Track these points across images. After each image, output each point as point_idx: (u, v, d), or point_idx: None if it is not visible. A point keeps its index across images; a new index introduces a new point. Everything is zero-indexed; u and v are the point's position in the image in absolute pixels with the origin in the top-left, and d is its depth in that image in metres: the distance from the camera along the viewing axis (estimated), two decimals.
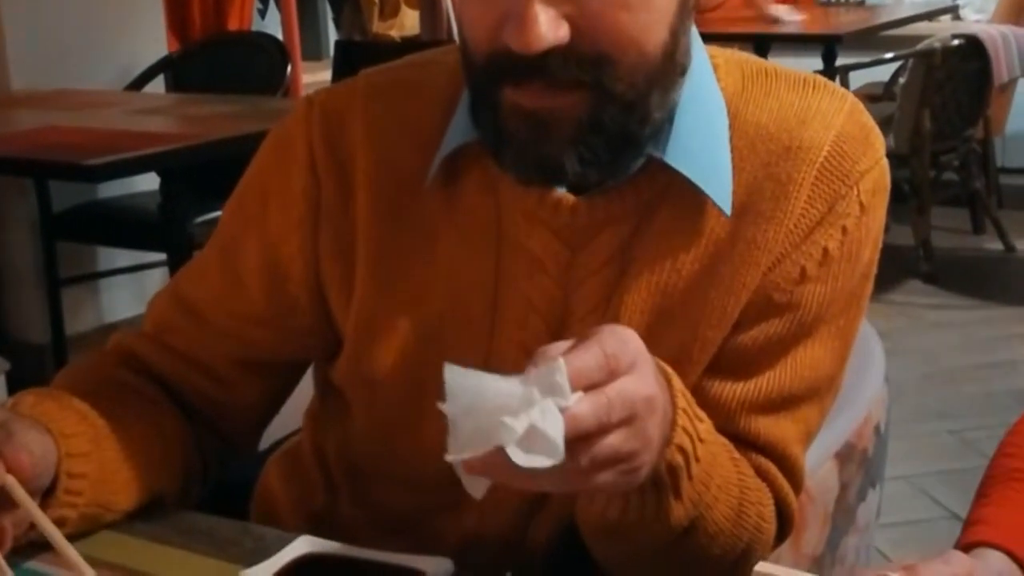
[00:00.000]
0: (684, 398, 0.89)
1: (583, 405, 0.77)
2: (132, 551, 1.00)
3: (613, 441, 0.80)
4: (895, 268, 4.44)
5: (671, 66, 0.94)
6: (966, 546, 0.89)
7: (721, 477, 0.95)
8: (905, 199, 4.46)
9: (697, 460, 0.90)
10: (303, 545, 0.95)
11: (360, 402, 1.09)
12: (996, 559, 0.87)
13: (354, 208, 1.04)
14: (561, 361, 0.76)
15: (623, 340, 0.81)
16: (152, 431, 1.08)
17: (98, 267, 3.84)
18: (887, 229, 1.05)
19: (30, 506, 0.92)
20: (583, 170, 0.93)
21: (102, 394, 1.07)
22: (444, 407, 0.76)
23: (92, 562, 0.97)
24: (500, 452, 0.74)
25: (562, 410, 0.75)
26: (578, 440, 0.77)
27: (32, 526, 0.94)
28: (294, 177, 1.06)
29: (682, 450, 0.89)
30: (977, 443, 3.09)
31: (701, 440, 0.91)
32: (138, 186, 3.59)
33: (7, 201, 3.69)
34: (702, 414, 0.92)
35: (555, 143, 0.92)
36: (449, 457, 0.75)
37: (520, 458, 0.73)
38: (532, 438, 0.73)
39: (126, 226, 3.48)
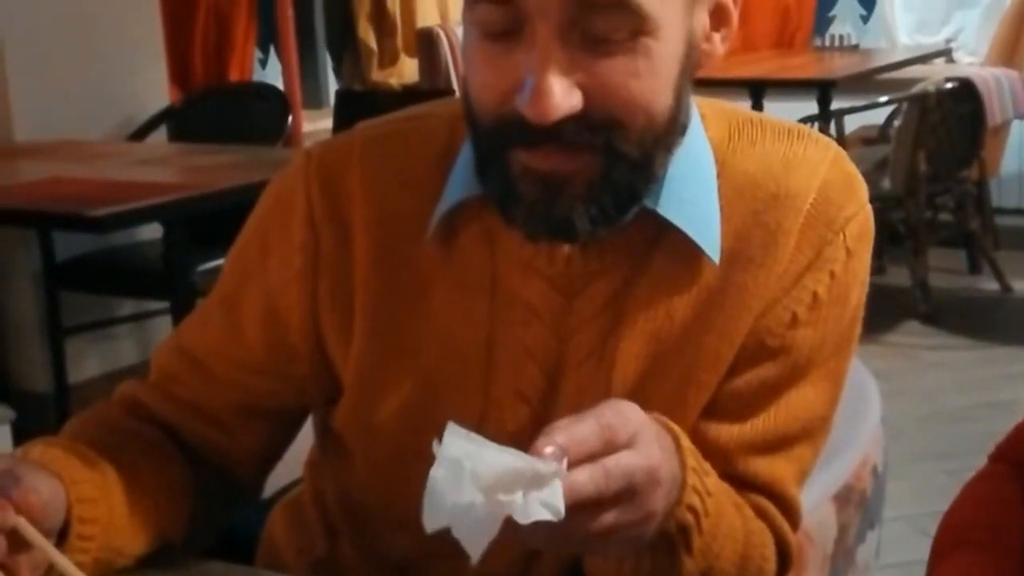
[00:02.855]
0: (693, 456, 0.91)
1: (581, 474, 0.79)
2: None
3: (611, 516, 0.82)
4: (893, 309, 4.45)
5: (675, 127, 0.96)
6: None
7: (728, 526, 0.96)
8: (901, 240, 4.48)
9: (707, 515, 0.92)
10: None
11: (360, 448, 1.11)
12: None
13: (352, 259, 1.06)
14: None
15: (623, 415, 0.83)
16: (158, 478, 1.10)
17: (101, 316, 3.85)
18: (883, 270, 1.08)
19: (45, 546, 0.94)
20: (592, 228, 0.95)
21: (109, 442, 1.09)
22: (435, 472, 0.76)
23: None
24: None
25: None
26: (576, 510, 0.78)
27: (49, 569, 0.96)
28: (293, 229, 1.08)
29: (692, 509, 0.90)
30: None
31: (710, 494, 0.92)
32: (141, 235, 3.61)
33: (11, 251, 3.70)
34: (708, 467, 0.94)
35: (566, 203, 0.94)
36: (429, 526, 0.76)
37: (520, 515, 0.74)
38: (532, 501, 0.75)
39: (129, 275, 3.49)
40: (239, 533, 1.29)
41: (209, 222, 2.79)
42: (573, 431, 0.79)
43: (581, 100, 0.90)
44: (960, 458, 3.31)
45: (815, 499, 1.23)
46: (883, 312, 4.28)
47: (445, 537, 1.03)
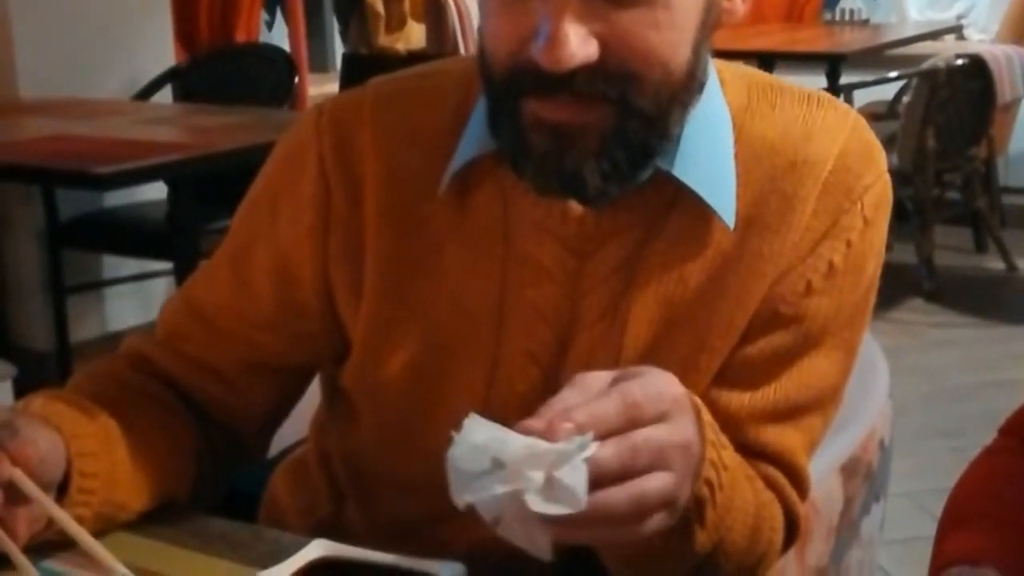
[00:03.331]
0: (712, 430, 0.90)
1: (606, 449, 0.77)
2: (147, 552, 1.01)
3: (652, 485, 0.79)
4: (898, 286, 4.45)
5: (692, 83, 0.95)
6: (937, 569, 0.89)
7: (741, 499, 0.95)
8: (908, 217, 4.47)
9: (721, 488, 0.91)
10: (317, 549, 0.96)
11: (367, 408, 1.10)
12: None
13: (363, 216, 1.05)
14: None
15: (655, 388, 0.81)
16: (163, 433, 1.09)
17: (103, 276, 3.84)
18: (889, 247, 1.07)
19: (42, 499, 0.93)
20: (603, 184, 0.94)
21: (114, 396, 1.08)
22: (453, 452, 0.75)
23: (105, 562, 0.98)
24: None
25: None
26: (600, 485, 0.76)
27: (49, 523, 0.95)
28: (304, 185, 1.07)
29: (709, 483, 0.89)
30: None
31: (726, 467, 0.91)
32: (144, 196, 3.61)
33: (14, 208, 3.70)
34: (725, 440, 0.93)
35: (577, 156, 0.92)
36: (456, 498, 0.74)
37: (539, 506, 0.72)
38: (552, 488, 0.72)
39: (132, 235, 3.49)
40: (241, 493, 1.29)
41: (213, 184, 2.78)
42: (595, 409, 0.78)
43: (597, 49, 0.89)
44: (964, 436, 3.32)
45: (822, 470, 1.22)
46: (888, 289, 4.25)
47: (450, 500, 1.03)
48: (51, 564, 0.97)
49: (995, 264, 4.91)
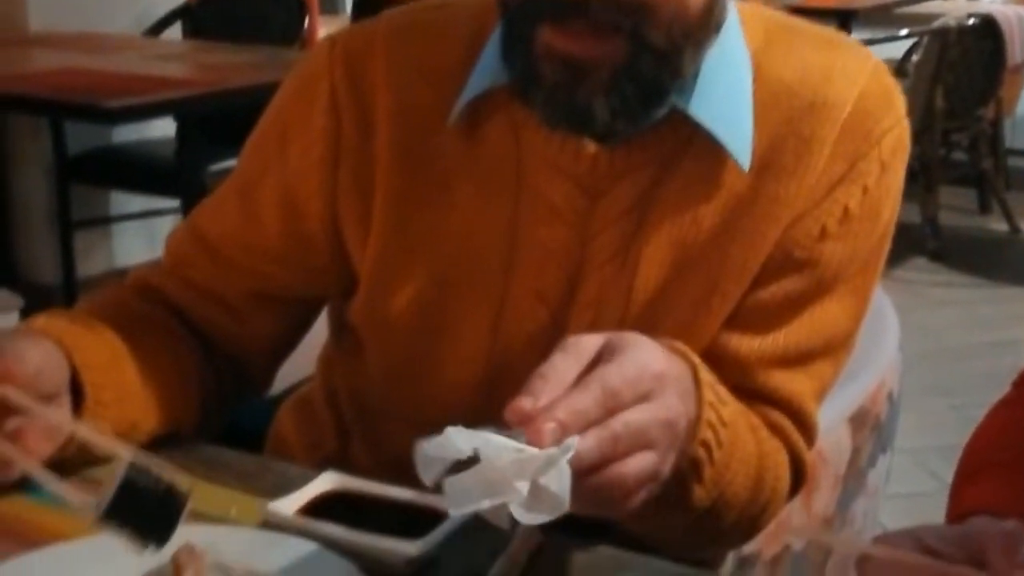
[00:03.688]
0: (711, 389, 0.89)
1: (587, 441, 0.75)
2: None
3: (631, 468, 0.79)
4: (901, 245, 4.43)
5: (707, 21, 0.94)
6: (957, 519, 0.89)
7: (742, 452, 0.95)
8: (914, 177, 4.46)
9: (720, 446, 0.91)
10: (328, 481, 0.96)
11: (374, 343, 1.10)
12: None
13: (374, 148, 1.04)
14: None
15: (638, 368, 0.79)
16: (170, 358, 1.09)
17: (111, 212, 3.84)
18: None
19: (39, 410, 0.91)
20: (612, 120, 0.93)
21: (119, 320, 1.07)
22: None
23: None
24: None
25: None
26: (583, 474, 0.75)
27: (69, 441, 0.95)
28: (315, 116, 1.06)
29: (705, 444, 0.89)
30: (977, 420, 3.10)
31: (725, 425, 0.91)
32: (153, 132, 3.59)
33: (22, 142, 3.68)
34: (725, 396, 0.92)
35: (588, 90, 0.92)
36: (450, 510, 0.73)
37: (523, 516, 0.72)
38: (537, 495, 0.71)
39: (140, 171, 3.48)
40: (246, 429, 1.29)
41: (222, 122, 2.77)
42: (574, 403, 0.76)
43: None
44: (964, 394, 3.33)
45: (831, 420, 1.23)
46: (891, 248, 4.26)
47: None
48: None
49: (999, 226, 4.90)
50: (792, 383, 1.03)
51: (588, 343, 0.80)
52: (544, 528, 0.91)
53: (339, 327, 1.15)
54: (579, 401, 0.76)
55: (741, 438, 0.95)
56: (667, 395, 0.81)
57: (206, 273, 1.13)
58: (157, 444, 1.06)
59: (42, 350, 0.96)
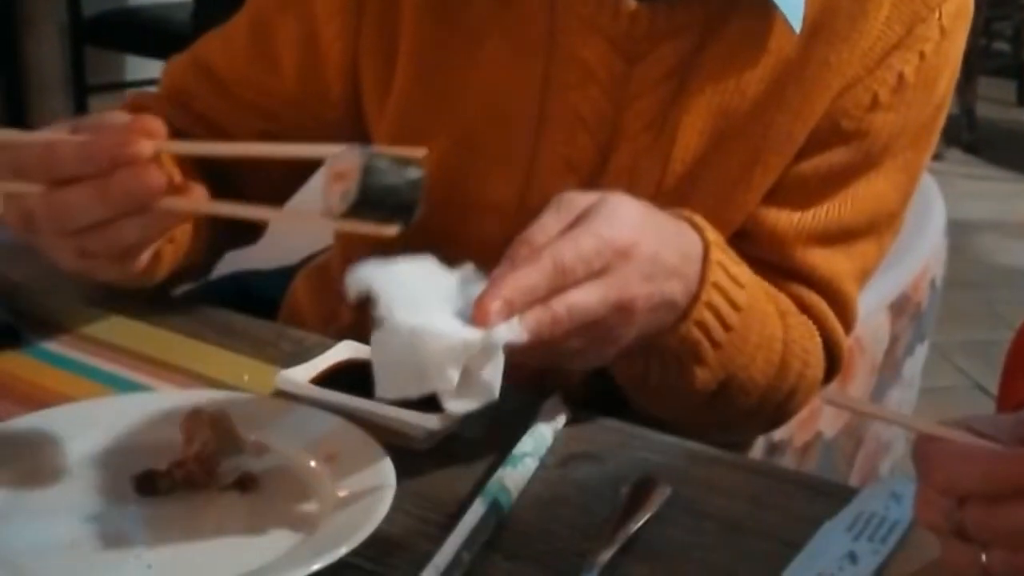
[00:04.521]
0: (719, 270, 0.85)
1: (525, 321, 0.72)
2: (168, 345, 0.97)
3: (565, 345, 0.76)
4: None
5: None
6: (1010, 409, 0.84)
7: (760, 336, 0.91)
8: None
9: (728, 329, 0.87)
10: (345, 350, 0.92)
11: None
12: None
13: (400, 5, 0.98)
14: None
15: (599, 241, 0.75)
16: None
17: (126, 77, 3.79)
18: None
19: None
20: None
21: None
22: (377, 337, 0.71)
23: (126, 354, 0.95)
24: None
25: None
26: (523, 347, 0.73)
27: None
28: None
29: (701, 324, 0.85)
30: (1006, 316, 3.06)
31: (737, 309, 0.87)
32: None
33: (36, 4, 3.62)
34: (745, 279, 0.88)
35: None
36: (379, 395, 0.72)
37: (452, 405, 0.71)
38: (468, 381, 0.70)
39: (156, 34, 3.41)
40: (260, 298, 1.25)
41: None
42: (523, 280, 0.72)
43: None
44: (993, 289, 3.28)
45: (871, 306, 1.18)
46: None
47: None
48: (134, 376, 0.93)
49: None
50: (832, 262, 0.98)
51: (579, 202, 0.77)
52: (572, 403, 0.88)
53: None
54: (528, 277, 0.73)
55: (762, 323, 0.91)
56: (626, 272, 0.77)
57: (211, 106, 1.07)
58: (170, 308, 1.03)
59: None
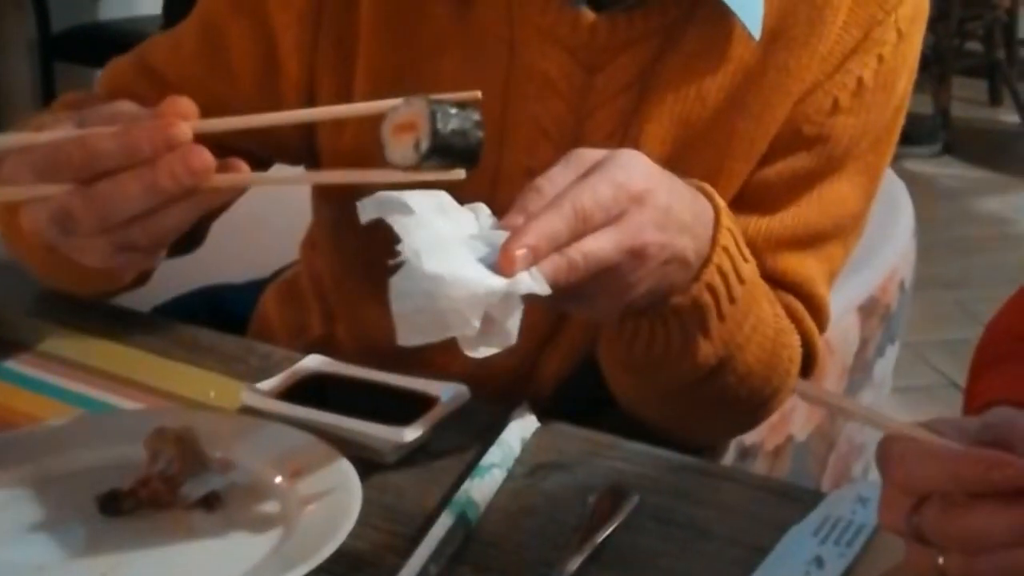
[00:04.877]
0: (731, 237, 0.85)
1: (542, 269, 0.71)
2: (135, 363, 0.97)
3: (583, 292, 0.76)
4: (909, 135, 4.38)
5: None
6: (975, 411, 0.85)
7: (757, 318, 0.91)
8: (926, 66, 4.37)
9: (732, 301, 0.86)
10: (312, 364, 0.92)
11: (356, 229, 1.04)
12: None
13: (358, 18, 0.98)
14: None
15: (615, 186, 0.75)
16: None
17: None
18: None
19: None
20: None
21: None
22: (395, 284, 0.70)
23: (93, 373, 0.95)
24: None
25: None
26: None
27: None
28: None
29: (711, 289, 0.85)
30: (981, 314, 3.07)
31: (742, 281, 0.86)
32: (139, 9, 3.51)
33: (5, 18, 3.60)
34: (747, 253, 0.88)
35: None
36: (399, 343, 0.70)
37: (471, 350, 0.70)
38: (489, 327, 0.69)
39: (126, 49, 3.34)
40: (230, 314, 1.24)
41: None
42: (544, 227, 0.72)
43: None
44: (967, 288, 3.30)
45: (840, 309, 1.18)
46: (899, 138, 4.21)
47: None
48: (102, 396, 0.93)
49: (1009, 117, 4.83)
50: (802, 266, 0.98)
51: (590, 156, 0.77)
52: (541, 412, 0.88)
53: (319, 205, 1.09)
54: (550, 223, 0.72)
55: (759, 303, 0.91)
56: (640, 218, 0.76)
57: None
58: (138, 326, 1.02)
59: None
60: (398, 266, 0.70)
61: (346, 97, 0.99)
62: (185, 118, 0.77)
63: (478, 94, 0.76)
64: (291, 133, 1.01)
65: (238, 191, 0.80)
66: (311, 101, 1.01)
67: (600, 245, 0.74)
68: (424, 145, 0.72)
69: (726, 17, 0.91)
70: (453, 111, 0.73)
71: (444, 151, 0.72)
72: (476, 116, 0.73)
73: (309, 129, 1.02)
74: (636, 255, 0.77)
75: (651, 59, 0.94)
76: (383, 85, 0.98)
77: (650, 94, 0.94)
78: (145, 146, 0.76)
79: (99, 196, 0.76)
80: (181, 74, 1.04)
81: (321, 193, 1.08)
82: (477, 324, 0.68)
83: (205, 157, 0.76)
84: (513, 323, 0.70)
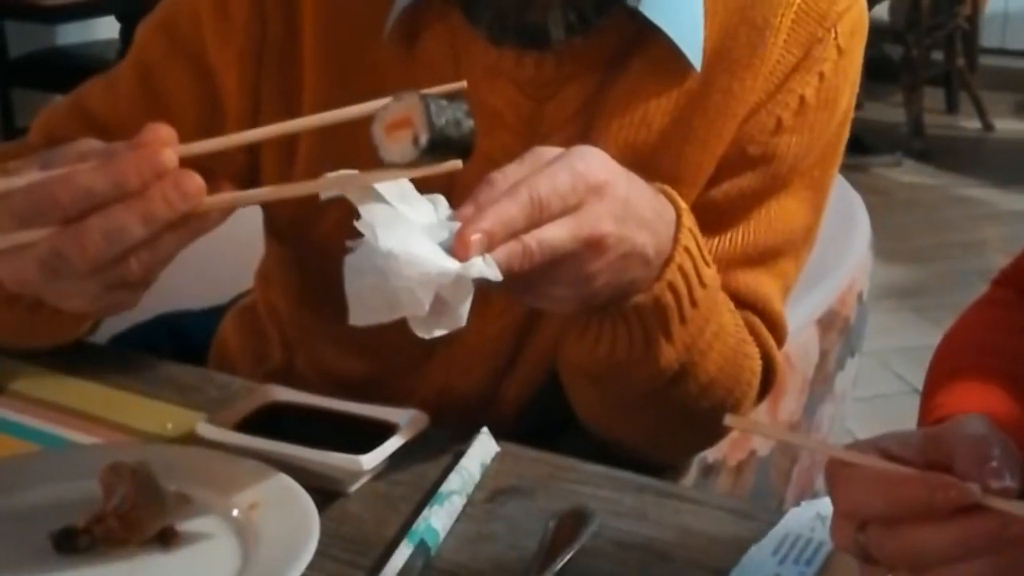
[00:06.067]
0: (692, 239, 0.85)
1: (497, 255, 0.72)
2: (90, 396, 0.96)
3: (537, 283, 0.77)
4: (872, 145, 4.41)
5: None
6: (931, 424, 0.85)
7: (718, 325, 0.91)
8: (894, 76, 4.41)
9: (694, 304, 0.87)
10: (270, 393, 0.91)
11: (305, 264, 1.04)
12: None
13: (301, 56, 0.97)
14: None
15: (573, 176, 0.75)
16: None
17: None
18: (860, 106, 1.00)
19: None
20: (568, 35, 0.88)
21: None
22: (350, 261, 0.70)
23: (48, 407, 0.94)
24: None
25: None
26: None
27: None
28: (235, 5, 0.97)
29: (673, 288, 0.85)
30: (942, 321, 3.09)
31: (704, 285, 0.87)
32: (97, 34, 3.49)
33: None
34: (709, 258, 0.88)
35: (540, 7, 0.87)
36: (351, 323, 0.70)
37: (421, 330, 0.70)
38: (439, 309, 0.70)
39: (85, 74, 3.29)
40: (190, 341, 1.23)
41: None
42: (501, 212, 0.72)
43: None
44: (927, 296, 3.32)
45: (799, 323, 1.18)
46: (860, 149, 4.22)
47: (405, 355, 0.97)
48: (56, 431, 0.92)
49: (968, 124, 4.87)
50: (757, 284, 0.99)
51: (547, 153, 0.77)
52: (500, 436, 0.88)
53: (271, 243, 1.09)
54: (507, 210, 0.73)
55: (720, 311, 0.91)
56: (598, 209, 0.76)
57: None
58: (97, 359, 1.01)
59: None
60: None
61: (293, 143, 0.98)
62: (167, 145, 0.76)
63: (464, 84, 0.76)
64: (231, 166, 1.00)
65: (227, 212, 0.78)
66: (254, 153, 1.00)
67: (555, 234, 0.75)
68: (423, 139, 0.71)
69: (669, 46, 0.92)
70: (444, 103, 0.72)
71: (442, 143, 0.72)
72: (466, 106, 0.73)
73: (253, 170, 1.01)
74: (593, 245, 0.77)
75: (597, 87, 0.94)
76: (328, 131, 0.96)
77: (596, 121, 0.94)
78: (133, 177, 0.74)
79: (91, 232, 0.73)
80: (118, 117, 1.02)
81: (272, 230, 1.08)
82: (427, 305, 0.68)
83: (196, 180, 0.75)
84: (464, 307, 0.70)
